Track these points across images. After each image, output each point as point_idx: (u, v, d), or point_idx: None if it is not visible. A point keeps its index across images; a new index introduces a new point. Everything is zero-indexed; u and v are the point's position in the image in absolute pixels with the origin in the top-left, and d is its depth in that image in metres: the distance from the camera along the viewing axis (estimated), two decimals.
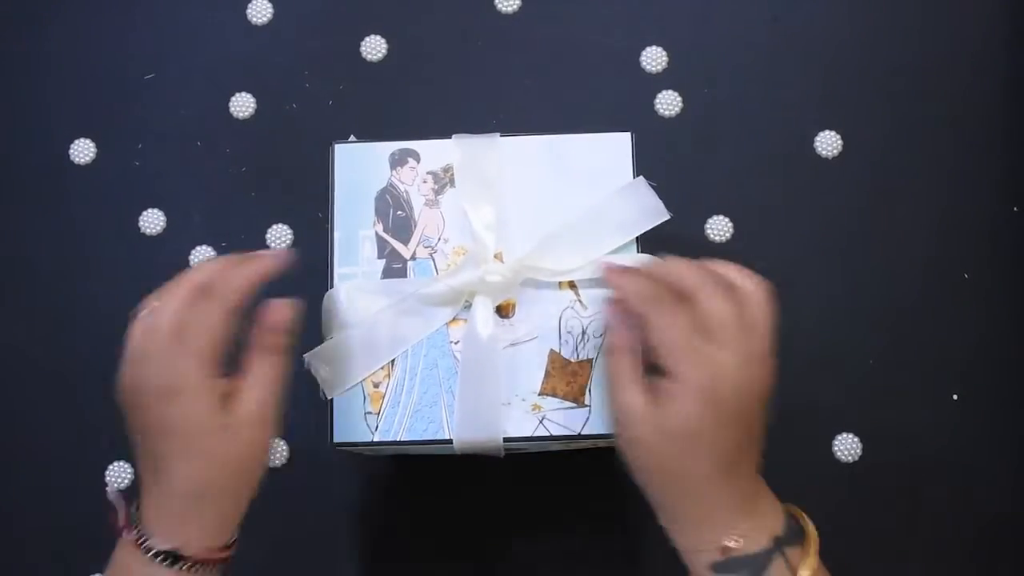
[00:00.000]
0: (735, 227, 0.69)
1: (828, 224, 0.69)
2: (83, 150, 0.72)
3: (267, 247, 0.70)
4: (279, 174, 0.71)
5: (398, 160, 0.57)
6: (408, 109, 0.72)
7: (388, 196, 0.57)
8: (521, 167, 0.57)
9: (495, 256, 0.55)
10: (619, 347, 0.49)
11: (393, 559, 0.66)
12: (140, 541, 0.46)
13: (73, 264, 0.70)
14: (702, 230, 0.69)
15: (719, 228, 0.69)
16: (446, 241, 0.56)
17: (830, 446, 0.66)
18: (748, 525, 0.46)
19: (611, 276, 0.50)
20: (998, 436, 0.66)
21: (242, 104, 0.72)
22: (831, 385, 0.67)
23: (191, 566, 0.46)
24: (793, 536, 0.47)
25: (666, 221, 0.70)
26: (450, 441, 0.53)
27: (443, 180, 0.57)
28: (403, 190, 0.57)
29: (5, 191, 0.72)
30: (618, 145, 0.57)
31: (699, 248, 0.69)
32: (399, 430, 0.54)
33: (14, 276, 0.70)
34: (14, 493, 0.68)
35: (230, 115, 0.72)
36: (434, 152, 0.57)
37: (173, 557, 0.46)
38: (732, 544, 0.46)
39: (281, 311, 0.50)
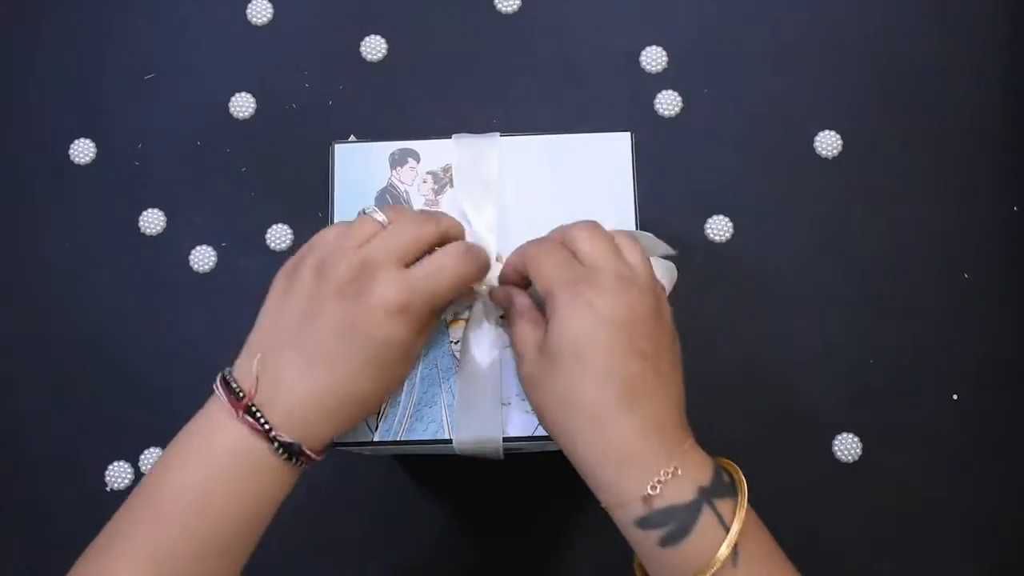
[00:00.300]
0: (735, 227, 0.69)
1: (828, 224, 0.69)
2: (83, 150, 0.72)
3: (267, 247, 0.70)
4: (279, 174, 0.71)
5: (398, 160, 0.57)
6: (408, 109, 0.72)
7: (388, 196, 0.57)
8: (521, 167, 0.57)
9: (496, 258, 0.55)
10: (517, 305, 0.49)
11: (393, 559, 0.66)
12: (267, 432, 0.45)
13: (73, 264, 0.70)
14: (702, 230, 0.69)
15: (719, 228, 0.69)
16: None
17: (830, 446, 0.66)
18: (669, 473, 0.43)
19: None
20: (998, 436, 0.66)
21: (242, 104, 0.72)
22: (831, 385, 0.67)
23: (301, 462, 0.46)
24: (723, 489, 0.44)
25: (666, 221, 0.70)
26: (450, 441, 0.53)
27: (443, 180, 0.57)
28: (403, 190, 0.57)
29: (5, 191, 0.72)
30: (618, 145, 0.57)
31: (699, 248, 0.69)
32: (399, 430, 0.53)
33: (15, 276, 0.70)
34: (14, 493, 0.68)
35: (230, 115, 0.72)
36: (434, 152, 0.57)
37: (292, 450, 0.46)
38: (651, 491, 0.43)
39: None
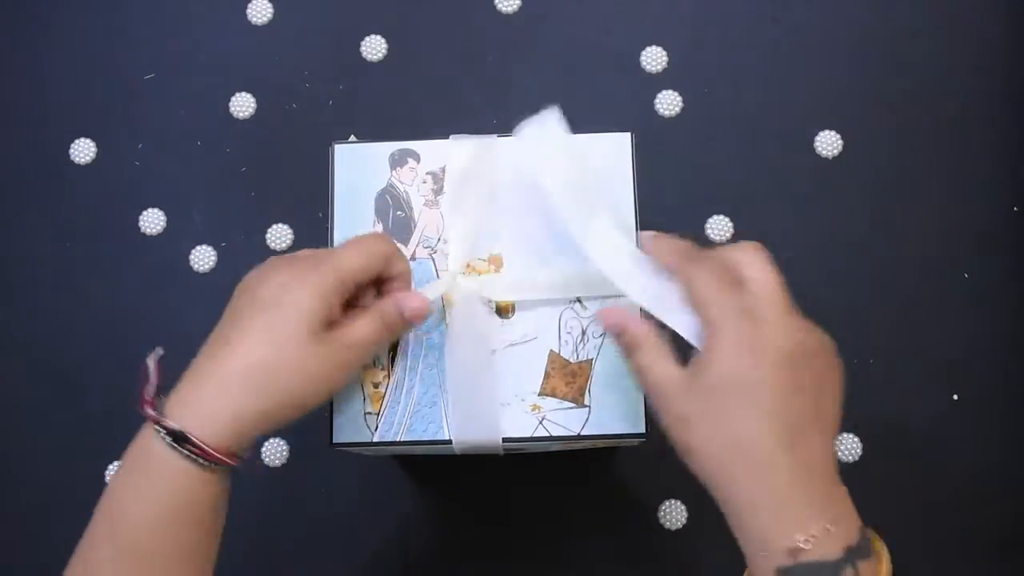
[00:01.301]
0: (735, 227, 0.69)
1: (828, 224, 0.69)
2: (83, 150, 0.72)
3: (267, 247, 0.70)
4: (279, 174, 0.71)
5: (398, 160, 0.57)
6: (408, 109, 0.72)
7: (388, 196, 0.57)
8: (523, 167, 0.57)
9: (492, 258, 0.55)
10: (638, 335, 0.47)
11: (393, 559, 0.66)
12: (154, 417, 0.45)
13: (73, 264, 0.70)
14: (702, 230, 0.69)
15: (719, 228, 0.69)
16: (446, 242, 0.56)
17: None
18: (820, 527, 0.42)
19: (646, 241, 0.50)
20: (998, 436, 0.66)
21: (242, 104, 0.72)
22: None
23: (194, 453, 0.44)
24: (866, 551, 0.43)
25: (666, 221, 0.70)
26: (450, 441, 0.53)
27: (443, 180, 0.57)
28: (403, 190, 0.57)
29: (5, 191, 0.72)
30: (618, 145, 0.57)
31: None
32: (399, 431, 0.53)
33: (14, 276, 0.70)
34: (14, 493, 0.68)
35: (230, 115, 0.72)
36: (434, 152, 0.57)
37: (177, 436, 0.44)
38: (802, 544, 0.41)
39: (417, 303, 0.50)
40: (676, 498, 0.65)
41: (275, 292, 0.46)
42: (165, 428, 0.45)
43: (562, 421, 0.53)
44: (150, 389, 0.47)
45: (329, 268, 0.47)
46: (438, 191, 0.57)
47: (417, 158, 0.57)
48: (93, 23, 0.74)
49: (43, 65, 0.74)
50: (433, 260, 0.56)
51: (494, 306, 0.55)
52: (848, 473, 0.65)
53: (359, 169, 0.57)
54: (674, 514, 0.65)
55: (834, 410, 0.46)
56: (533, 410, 0.53)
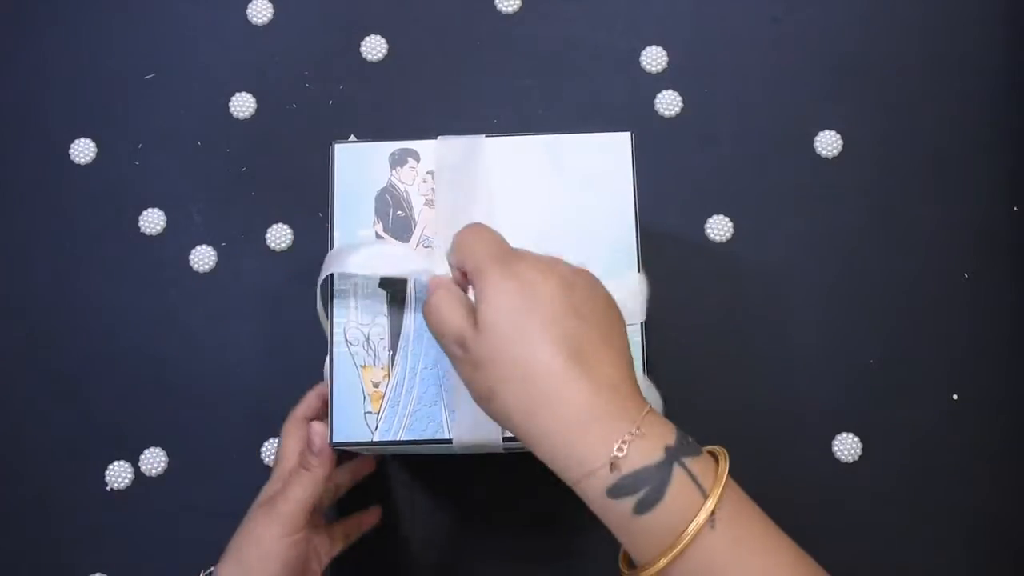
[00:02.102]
0: (735, 227, 0.69)
1: (828, 224, 0.69)
2: (83, 150, 0.72)
3: (267, 247, 0.70)
4: (279, 174, 0.71)
5: (398, 160, 0.57)
6: (408, 109, 0.72)
7: (388, 196, 0.57)
8: (521, 167, 0.57)
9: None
10: (436, 281, 0.47)
11: (393, 559, 0.66)
12: None
13: (73, 264, 0.70)
14: (702, 230, 0.69)
15: (719, 228, 0.69)
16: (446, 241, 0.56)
17: (830, 446, 0.66)
18: (633, 434, 0.41)
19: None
20: (998, 436, 0.66)
21: (242, 104, 0.72)
22: (831, 385, 0.67)
23: None
24: (690, 447, 0.43)
25: (666, 221, 0.70)
26: (450, 440, 0.53)
27: None
28: (403, 190, 0.57)
29: (5, 191, 0.72)
30: (618, 145, 0.57)
31: (699, 248, 0.69)
32: (399, 430, 0.53)
33: (14, 276, 0.70)
34: (15, 493, 0.68)
35: (230, 115, 0.72)
36: (434, 152, 0.57)
37: None
38: (617, 453, 0.41)
39: (319, 436, 0.55)
40: None
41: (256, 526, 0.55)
42: None
43: None
44: None
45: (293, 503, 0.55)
46: None
47: (417, 158, 0.57)
48: (93, 23, 0.74)
49: (43, 65, 0.74)
50: None
51: None
52: (848, 473, 0.66)
53: (359, 169, 0.57)
54: None
55: (620, 331, 0.45)
56: None
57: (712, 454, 0.44)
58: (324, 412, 0.58)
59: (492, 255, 0.45)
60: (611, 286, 0.47)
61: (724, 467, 0.43)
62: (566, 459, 0.42)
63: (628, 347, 0.46)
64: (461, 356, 0.45)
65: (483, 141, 0.57)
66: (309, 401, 0.60)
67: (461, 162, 0.57)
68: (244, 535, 0.55)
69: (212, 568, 0.54)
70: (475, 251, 0.46)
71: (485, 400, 0.44)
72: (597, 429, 0.42)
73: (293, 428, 0.59)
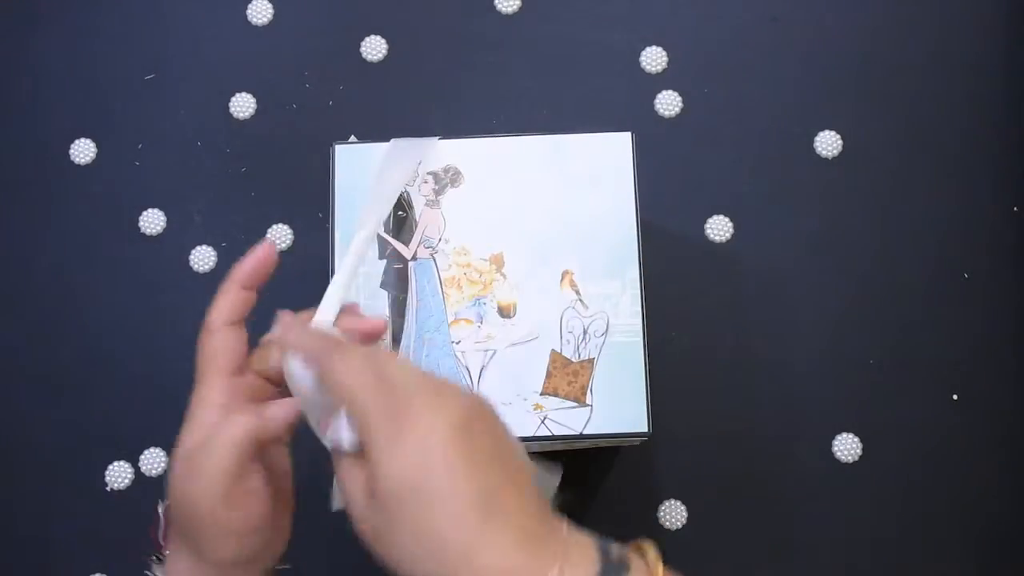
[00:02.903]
0: (735, 227, 0.69)
1: (828, 224, 0.69)
2: (83, 150, 0.72)
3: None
4: (279, 174, 0.71)
5: None
6: (408, 109, 0.72)
7: None
8: (522, 167, 0.57)
9: (493, 257, 0.55)
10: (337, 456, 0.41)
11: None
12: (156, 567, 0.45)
13: (73, 264, 0.70)
14: (702, 230, 0.69)
15: (719, 228, 0.69)
16: (447, 241, 0.56)
17: (830, 446, 0.66)
18: (555, 572, 0.38)
19: (285, 331, 0.44)
20: (998, 436, 0.66)
21: (242, 104, 0.72)
22: (831, 385, 0.67)
23: None
24: (619, 565, 0.39)
25: (666, 221, 0.70)
26: None
27: (444, 180, 0.57)
28: (404, 191, 0.57)
29: (5, 191, 0.72)
30: (619, 145, 0.57)
31: (699, 248, 0.69)
32: None
33: (14, 276, 0.70)
34: (14, 493, 0.68)
35: (230, 115, 0.72)
36: (435, 152, 0.57)
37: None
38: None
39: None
40: (676, 498, 0.65)
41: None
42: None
43: (564, 420, 0.53)
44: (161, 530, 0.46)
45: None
46: (439, 191, 0.57)
47: None
48: (93, 23, 0.74)
49: (43, 65, 0.74)
50: (434, 260, 0.56)
51: (496, 307, 0.55)
52: (848, 473, 0.66)
53: (360, 170, 0.57)
54: (674, 514, 0.65)
55: (521, 465, 0.41)
56: (535, 409, 0.53)
57: (639, 549, 0.41)
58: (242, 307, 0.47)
59: (376, 405, 0.39)
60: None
61: (657, 566, 0.40)
62: None
63: (529, 478, 0.41)
64: (359, 526, 0.40)
65: (434, 144, 0.57)
66: (230, 296, 0.46)
67: (392, 166, 0.55)
68: (178, 501, 0.43)
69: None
70: (362, 404, 0.39)
71: (386, 565, 0.40)
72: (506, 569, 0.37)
73: (212, 342, 0.45)
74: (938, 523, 0.65)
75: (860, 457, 0.66)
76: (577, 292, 0.55)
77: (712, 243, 0.69)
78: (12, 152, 0.72)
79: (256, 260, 0.46)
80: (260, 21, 0.74)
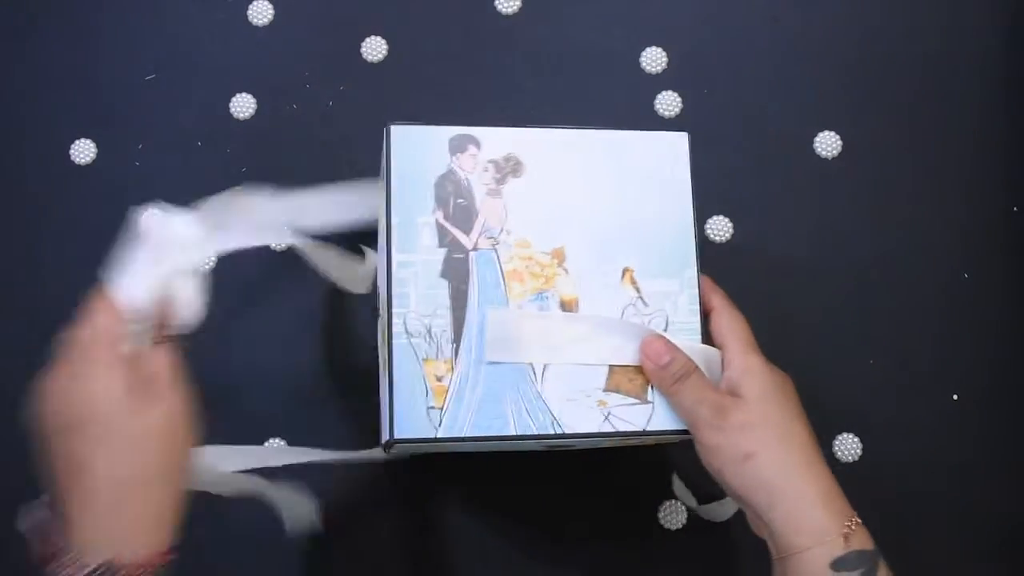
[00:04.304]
0: (735, 227, 0.69)
1: (828, 224, 0.69)
2: (83, 150, 0.72)
3: (267, 247, 0.70)
4: (279, 174, 0.71)
5: (458, 146, 0.55)
6: (408, 109, 0.72)
7: (448, 183, 0.55)
8: (580, 161, 0.56)
9: (555, 252, 0.54)
10: (687, 366, 0.53)
11: (391, 560, 0.66)
12: (73, 562, 0.44)
13: (73, 264, 0.70)
14: (702, 230, 0.69)
15: (719, 228, 0.69)
16: (508, 233, 0.54)
17: (830, 446, 0.66)
18: (854, 518, 0.48)
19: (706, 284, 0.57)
20: (998, 436, 0.66)
21: (242, 104, 0.72)
22: (831, 385, 0.67)
23: None
24: (877, 554, 0.49)
25: None
26: (516, 437, 0.52)
27: (505, 169, 0.55)
28: (463, 177, 0.55)
29: (5, 191, 0.72)
30: (674, 145, 0.57)
31: (699, 248, 0.69)
32: (464, 426, 0.51)
33: (14, 276, 0.70)
34: (14, 493, 0.68)
35: (230, 115, 0.72)
36: (495, 140, 0.55)
37: (109, 569, 0.44)
38: (849, 528, 0.47)
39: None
40: (676, 498, 0.65)
41: (84, 407, 0.48)
42: (90, 568, 0.44)
43: (628, 417, 0.53)
44: (52, 539, 0.46)
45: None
46: (500, 180, 0.55)
47: (478, 144, 0.55)
48: (94, 23, 0.74)
49: (43, 65, 0.74)
50: (496, 252, 0.54)
51: (558, 301, 0.54)
52: (848, 473, 0.66)
53: (418, 153, 0.55)
54: (674, 514, 0.65)
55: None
56: (600, 405, 0.53)
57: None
58: None
59: (752, 342, 0.54)
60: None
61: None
62: (804, 523, 0.48)
63: None
64: (715, 423, 0.50)
65: (438, 130, 0.56)
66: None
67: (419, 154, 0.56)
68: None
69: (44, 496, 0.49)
70: (740, 331, 0.54)
71: (738, 461, 0.50)
72: (836, 505, 0.48)
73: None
74: (938, 523, 0.65)
75: (860, 457, 0.66)
76: (637, 289, 0.55)
77: (712, 243, 0.69)
78: (12, 152, 0.72)
79: None
80: (260, 21, 0.74)
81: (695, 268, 0.56)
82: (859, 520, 0.48)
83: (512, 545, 0.65)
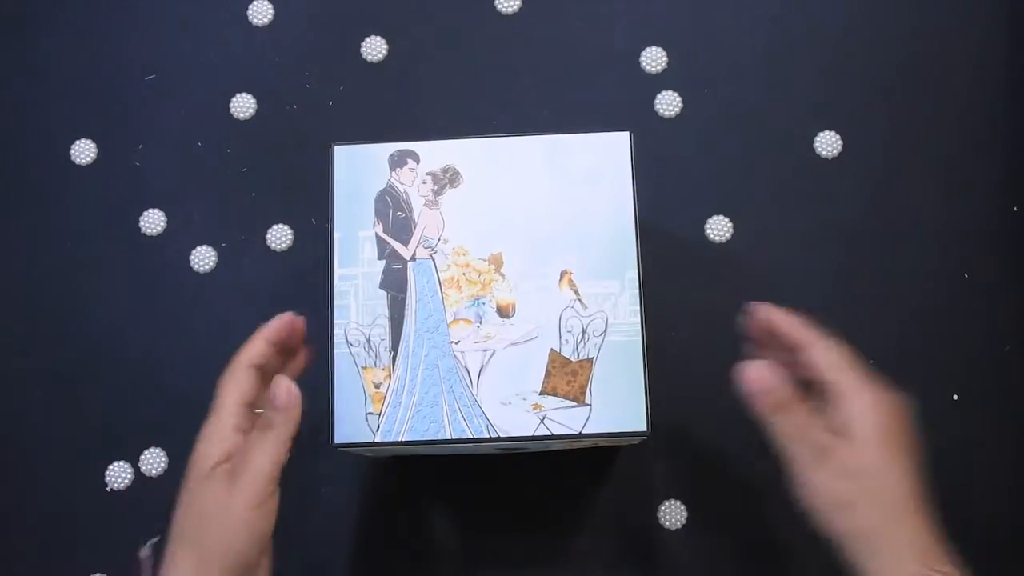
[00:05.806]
0: (735, 227, 0.69)
1: (828, 224, 0.69)
2: (84, 150, 0.72)
3: (267, 247, 0.70)
4: (279, 174, 0.71)
5: (397, 161, 0.57)
6: (408, 109, 0.72)
7: (388, 197, 0.57)
8: (519, 167, 0.57)
9: (492, 258, 0.55)
10: (787, 397, 0.51)
11: (391, 560, 0.66)
12: None
13: (73, 264, 0.70)
14: (702, 230, 0.69)
15: (719, 228, 0.69)
16: (446, 242, 0.56)
17: None
18: (947, 568, 0.48)
19: (761, 312, 0.55)
20: (998, 436, 0.66)
21: (242, 104, 0.72)
22: None
23: None
24: None
25: (666, 221, 0.70)
26: (452, 441, 0.53)
27: (442, 181, 0.57)
28: (402, 191, 0.57)
29: (5, 191, 0.72)
30: (617, 144, 0.57)
31: (699, 248, 0.69)
32: (401, 430, 0.54)
33: (14, 276, 0.70)
34: (14, 493, 0.68)
35: (230, 115, 0.72)
36: (433, 153, 0.57)
37: None
38: (945, 570, 0.47)
39: (284, 390, 0.51)
40: (676, 498, 0.65)
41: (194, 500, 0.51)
42: None
43: (563, 420, 0.53)
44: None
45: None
46: (438, 191, 0.57)
47: (416, 159, 0.57)
48: (93, 23, 0.74)
49: (43, 65, 0.74)
50: (433, 261, 0.56)
51: (495, 307, 0.55)
52: None
53: (359, 171, 0.57)
54: (674, 514, 0.65)
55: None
56: (535, 409, 0.53)
57: None
58: (276, 360, 0.54)
59: (857, 373, 0.50)
60: None
61: None
62: (890, 566, 0.48)
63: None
64: (814, 463, 0.49)
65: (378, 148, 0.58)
66: (255, 346, 0.53)
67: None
68: (201, 511, 0.50)
69: (157, 538, 0.53)
70: (838, 362, 0.51)
71: (835, 507, 0.49)
72: (926, 549, 0.49)
73: (236, 377, 0.52)
74: (938, 523, 0.65)
75: None
76: (576, 292, 0.55)
77: (712, 243, 0.69)
78: (12, 152, 0.72)
79: (281, 322, 0.54)
80: (260, 21, 0.74)
81: (636, 269, 0.56)
82: (948, 571, 0.49)
83: (511, 545, 0.65)
